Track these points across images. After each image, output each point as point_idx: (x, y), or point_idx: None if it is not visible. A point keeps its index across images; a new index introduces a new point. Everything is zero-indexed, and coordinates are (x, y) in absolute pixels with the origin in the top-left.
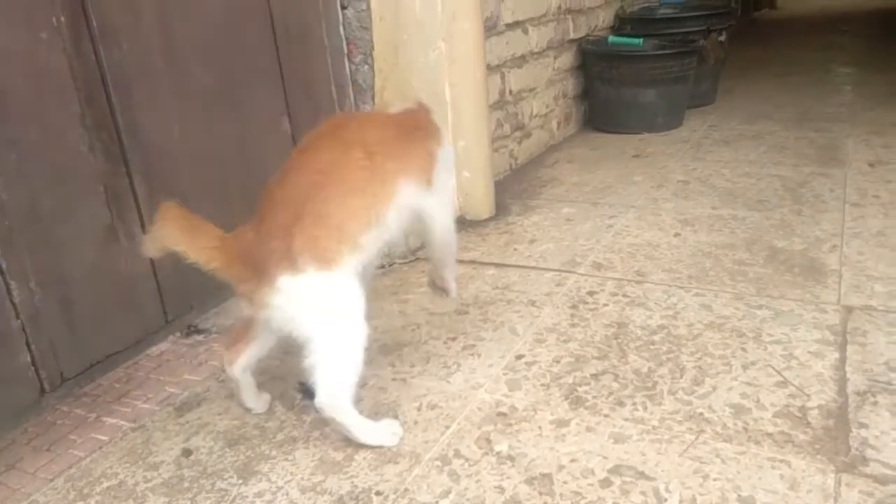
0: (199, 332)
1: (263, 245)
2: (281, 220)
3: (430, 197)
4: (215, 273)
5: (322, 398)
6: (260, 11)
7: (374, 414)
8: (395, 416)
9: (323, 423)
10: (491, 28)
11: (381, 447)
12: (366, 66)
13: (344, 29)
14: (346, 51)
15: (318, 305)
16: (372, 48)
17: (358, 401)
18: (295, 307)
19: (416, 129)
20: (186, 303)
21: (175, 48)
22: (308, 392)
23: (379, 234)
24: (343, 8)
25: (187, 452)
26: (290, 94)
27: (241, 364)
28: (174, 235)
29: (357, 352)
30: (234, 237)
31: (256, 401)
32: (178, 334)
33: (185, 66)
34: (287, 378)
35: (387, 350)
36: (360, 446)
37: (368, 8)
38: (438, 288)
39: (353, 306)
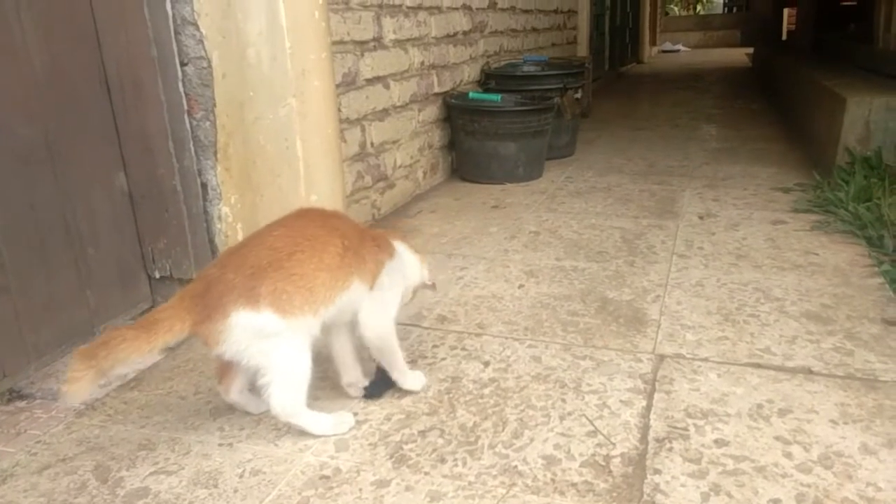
0: (21, 397)
1: (224, 279)
2: (253, 262)
3: (366, 301)
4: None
5: (276, 409)
6: (91, 68)
7: (194, 484)
8: (349, 411)
9: (136, 495)
10: (350, 83)
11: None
12: (207, 123)
13: (183, 85)
14: (185, 107)
15: (268, 343)
16: (214, 104)
17: (179, 469)
18: (247, 341)
19: (374, 238)
20: None
21: None
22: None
23: (328, 312)
24: (183, 65)
25: None
26: (125, 150)
27: (236, 389)
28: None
29: (304, 371)
30: (195, 282)
31: (259, 406)
32: None
33: (2, 123)
34: (106, 448)
35: (217, 413)
36: None
37: (210, 65)
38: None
39: (300, 360)
